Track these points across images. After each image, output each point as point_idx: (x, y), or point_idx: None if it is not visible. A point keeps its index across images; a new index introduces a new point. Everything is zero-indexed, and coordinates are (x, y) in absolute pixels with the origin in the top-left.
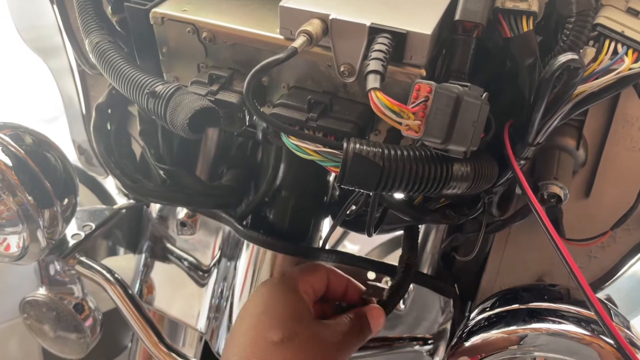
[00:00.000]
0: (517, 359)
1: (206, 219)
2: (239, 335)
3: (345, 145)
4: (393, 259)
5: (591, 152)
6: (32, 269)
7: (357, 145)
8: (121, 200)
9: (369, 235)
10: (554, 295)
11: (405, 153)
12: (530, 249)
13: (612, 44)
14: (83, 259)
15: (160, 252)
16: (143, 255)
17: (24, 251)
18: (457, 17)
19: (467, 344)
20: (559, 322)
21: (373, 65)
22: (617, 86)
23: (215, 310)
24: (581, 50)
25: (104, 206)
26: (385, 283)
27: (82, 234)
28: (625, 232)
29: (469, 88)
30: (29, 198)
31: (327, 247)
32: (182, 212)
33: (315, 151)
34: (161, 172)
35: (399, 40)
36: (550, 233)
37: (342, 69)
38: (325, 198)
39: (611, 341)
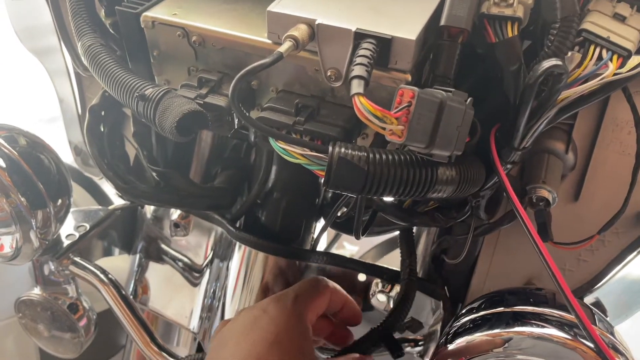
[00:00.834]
0: None
1: (199, 220)
2: (242, 352)
3: (330, 149)
4: (388, 259)
5: (581, 156)
6: (27, 269)
7: (342, 150)
8: (118, 201)
9: (357, 237)
10: (540, 299)
11: (389, 157)
12: (520, 252)
13: (597, 50)
14: (77, 259)
15: (154, 253)
16: (137, 256)
17: (17, 252)
18: (442, 22)
19: (451, 346)
20: (543, 326)
21: (357, 70)
22: (602, 91)
23: (208, 310)
24: (567, 56)
25: (98, 207)
26: (383, 287)
27: (77, 235)
28: (614, 235)
29: (452, 93)
30: (22, 199)
31: (321, 248)
32: (175, 214)
33: (302, 155)
34: (154, 174)
35: (384, 45)
36: (532, 236)
37: (328, 73)
38: (317, 199)
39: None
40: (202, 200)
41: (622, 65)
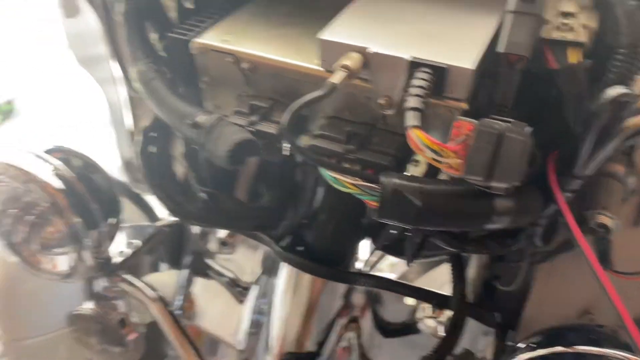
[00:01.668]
0: None
1: (246, 237)
2: None
3: (383, 179)
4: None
5: None
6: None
7: (395, 180)
8: (164, 215)
9: (408, 263)
10: (600, 337)
11: (444, 188)
12: (577, 280)
13: None
14: (127, 276)
15: (200, 268)
16: (184, 271)
17: (73, 270)
18: (501, 49)
19: None
20: None
21: (412, 102)
22: None
23: (255, 326)
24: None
25: (148, 223)
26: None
27: (128, 252)
28: None
29: (512, 124)
30: (77, 220)
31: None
32: (222, 232)
33: (353, 184)
34: (203, 194)
35: (440, 74)
36: (593, 266)
37: (381, 101)
38: (363, 220)
39: None
40: (248, 221)
41: None
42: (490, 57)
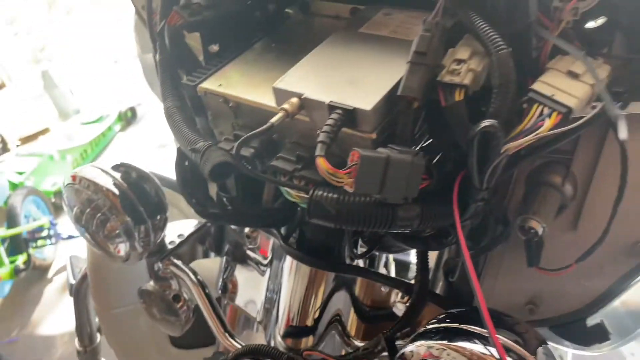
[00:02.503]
0: None
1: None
2: None
3: (311, 192)
4: None
5: (580, 187)
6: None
7: (319, 193)
8: None
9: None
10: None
11: (354, 199)
12: (521, 275)
13: (540, 107)
14: (176, 261)
15: (237, 255)
16: (224, 258)
17: (127, 255)
18: (399, 92)
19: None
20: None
21: (321, 137)
22: (550, 144)
23: (269, 302)
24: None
25: (195, 220)
26: (402, 297)
27: (176, 241)
28: (612, 263)
29: (399, 150)
30: (128, 219)
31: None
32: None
33: (297, 195)
34: (224, 199)
35: (351, 113)
36: (464, 253)
37: (318, 132)
38: None
39: None
40: (259, 220)
41: (562, 120)
42: (396, 98)
